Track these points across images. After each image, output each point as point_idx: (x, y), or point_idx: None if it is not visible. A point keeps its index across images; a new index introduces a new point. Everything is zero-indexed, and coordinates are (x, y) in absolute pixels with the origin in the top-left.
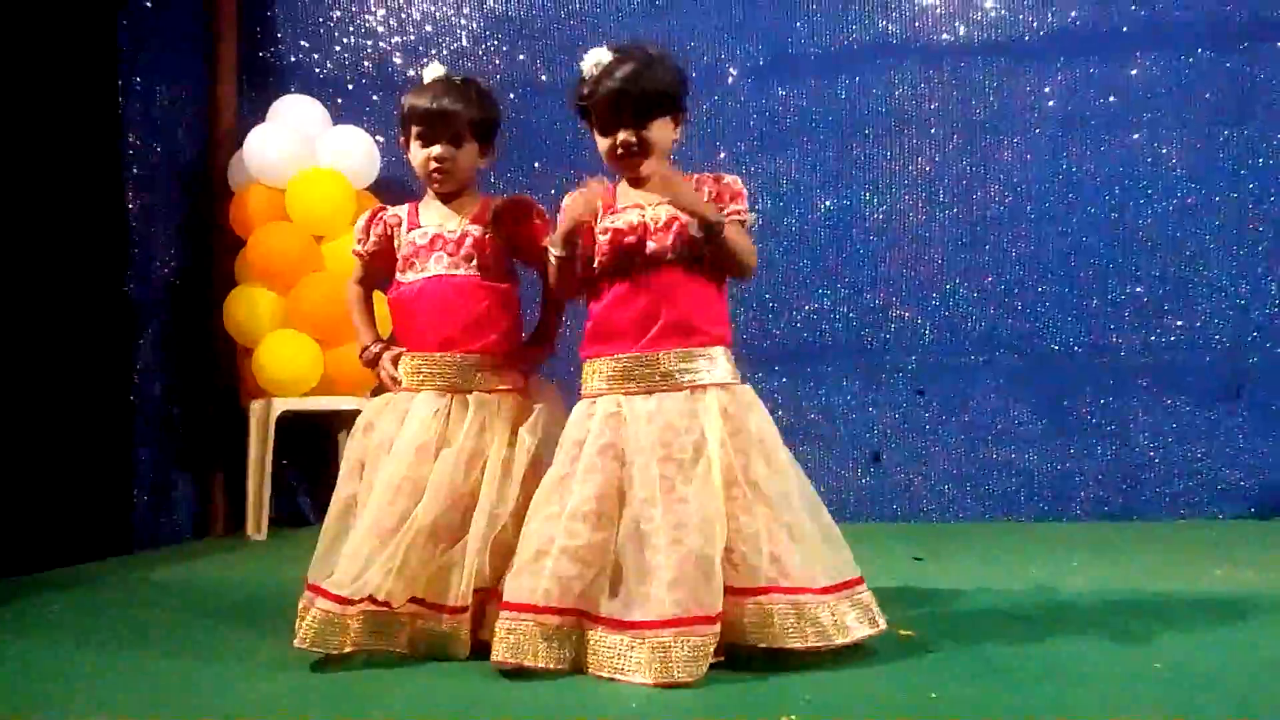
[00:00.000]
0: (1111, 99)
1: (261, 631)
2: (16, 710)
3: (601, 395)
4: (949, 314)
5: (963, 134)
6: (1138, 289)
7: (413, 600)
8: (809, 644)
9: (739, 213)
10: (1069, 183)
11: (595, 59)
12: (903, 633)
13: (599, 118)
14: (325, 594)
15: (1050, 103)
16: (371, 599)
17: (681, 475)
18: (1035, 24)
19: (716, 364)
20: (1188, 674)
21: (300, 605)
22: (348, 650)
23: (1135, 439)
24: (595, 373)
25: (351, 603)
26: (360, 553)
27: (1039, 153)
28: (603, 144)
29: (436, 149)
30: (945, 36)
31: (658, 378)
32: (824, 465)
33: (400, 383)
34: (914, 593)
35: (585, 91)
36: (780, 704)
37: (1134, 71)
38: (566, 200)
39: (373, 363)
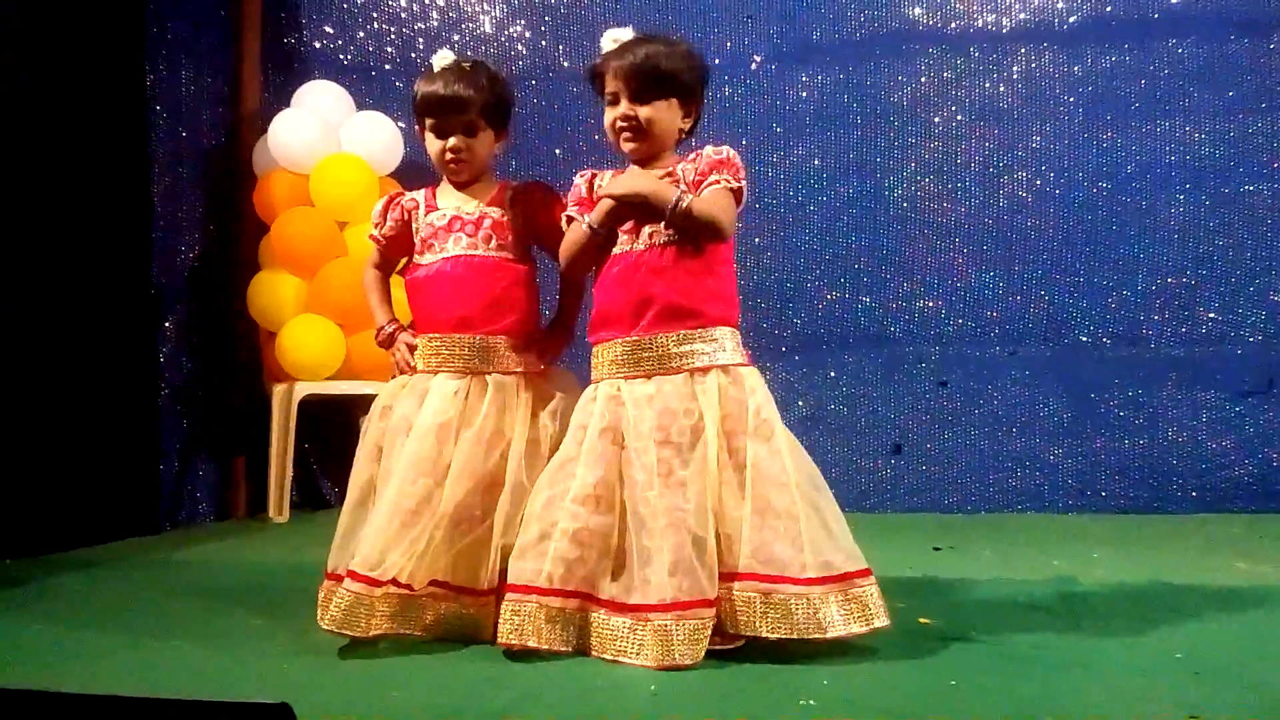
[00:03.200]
0: (1143, 85)
1: (282, 614)
2: (39, 687)
3: (604, 379)
4: (974, 303)
5: (990, 121)
6: (1168, 280)
7: (435, 583)
8: (778, 634)
9: (720, 181)
10: (1098, 171)
11: (615, 35)
12: (923, 620)
13: (606, 90)
14: (354, 576)
15: (1080, 89)
16: (395, 581)
17: (679, 459)
18: (1065, 10)
19: (718, 345)
20: (1208, 666)
21: (320, 594)
22: (373, 634)
23: (1164, 432)
24: (599, 358)
25: (379, 584)
26: (383, 533)
27: (1068, 140)
28: (607, 117)
29: (452, 140)
30: (973, 22)
31: (656, 362)
32: (845, 455)
33: (415, 367)
34: (935, 582)
35: (598, 63)
36: (799, 689)
37: (1166, 59)
38: (622, 179)
39: (388, 343)
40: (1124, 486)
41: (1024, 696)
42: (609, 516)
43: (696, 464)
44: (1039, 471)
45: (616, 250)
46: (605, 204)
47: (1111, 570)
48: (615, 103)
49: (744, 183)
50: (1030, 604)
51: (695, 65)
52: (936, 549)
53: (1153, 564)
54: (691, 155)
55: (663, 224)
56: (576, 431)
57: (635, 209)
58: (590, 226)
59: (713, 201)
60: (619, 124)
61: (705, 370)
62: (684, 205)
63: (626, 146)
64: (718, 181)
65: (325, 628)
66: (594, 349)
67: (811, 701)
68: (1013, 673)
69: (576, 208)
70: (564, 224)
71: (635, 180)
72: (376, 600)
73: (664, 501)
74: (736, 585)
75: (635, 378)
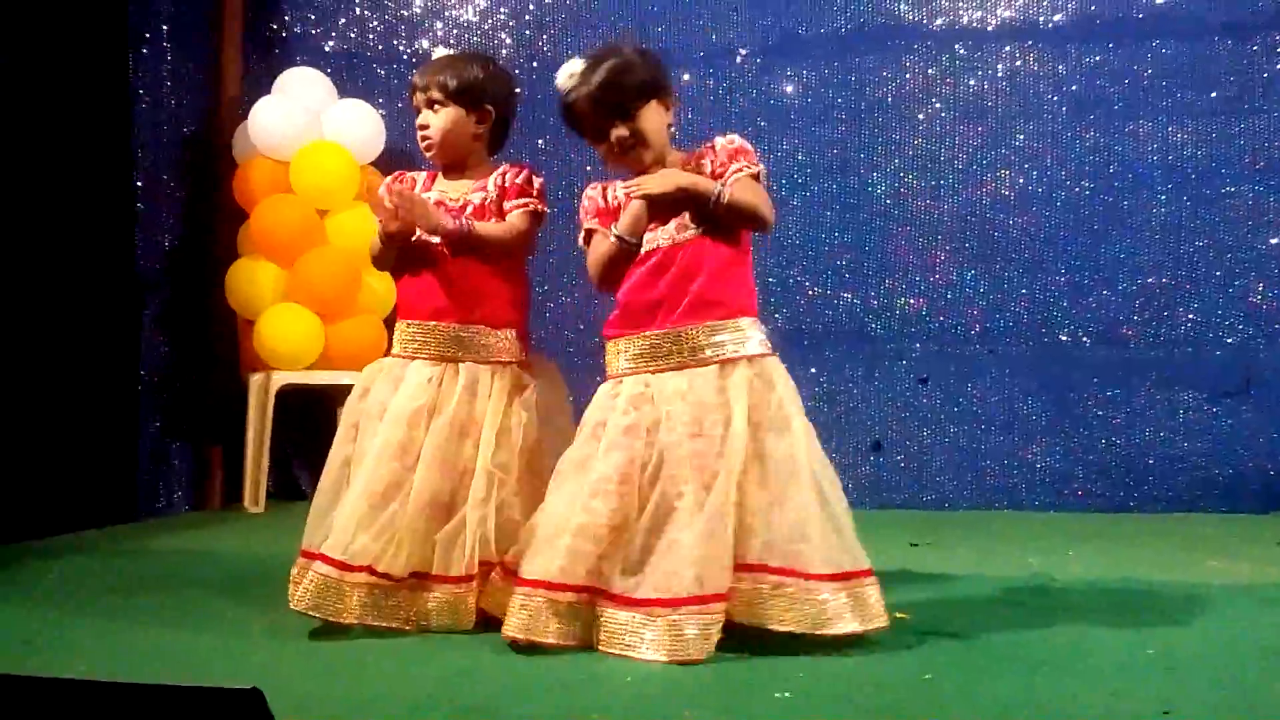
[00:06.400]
0: (1126, 85)
1: (256, 602)
2: (12, 672)
3: (628, 375)
4: (955, 301)
5: (973, 118)
6: (1148, 280)
7: (415, 575)
8: (788, 628)
9: (742, 168)
10: (1081, 170)
11: (569, 70)
12: (899, 615)
13: (587, 124)
14: (324, 558)
15: (1064, 88)
16: (371, 570)
17: (713, 452)
18: (1050, 9)
19: (744, 335)
20: (1182, 663)
21: (294, 571)
22: (346, 620)
23: (1141, 432)
24: (620, 352)
25: (349, 568)
26: (354, 515)
27: (1051, 139)
28: (600, 149)
29: (419, 117)
30: (959, 19)
31: (687, 354)
32: (825, 452)
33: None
34: (911, 577)
35: (568, 101)
36: (775, 682)
37: (1149, 59)
38: (653, 178)
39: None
40: (1101, 485)
41: (999, 692)
42: (626, 512)
43: (726, 459)
44: (1017, 469)
45: (642, 249)
46: (637, 207)
47: (1087, 568)
48: (601, 133)
49: (762, 166)
50: (1006, 600)
51: (654, 60)
52: (914, 545)
53: (1128, 562)
54: (698, 149)
55: (688, 216)
56: (594, 428)
57: (670, 206)
58: (620, 238)
59: (748, 189)
60: (617, 148)
61: (734, 362)
62: (726, 196)
63: (634, 165)
64: (740, 169)
65: (294, 607)
66: (613, 342)
67: (787, 694)
68: (988, 668)
69: (596, 219)
70: (581, 240)
71: (671, 176)
72: (348, 586)
73: (698, 496)
74: (748, 576)
75: (665, 370)
